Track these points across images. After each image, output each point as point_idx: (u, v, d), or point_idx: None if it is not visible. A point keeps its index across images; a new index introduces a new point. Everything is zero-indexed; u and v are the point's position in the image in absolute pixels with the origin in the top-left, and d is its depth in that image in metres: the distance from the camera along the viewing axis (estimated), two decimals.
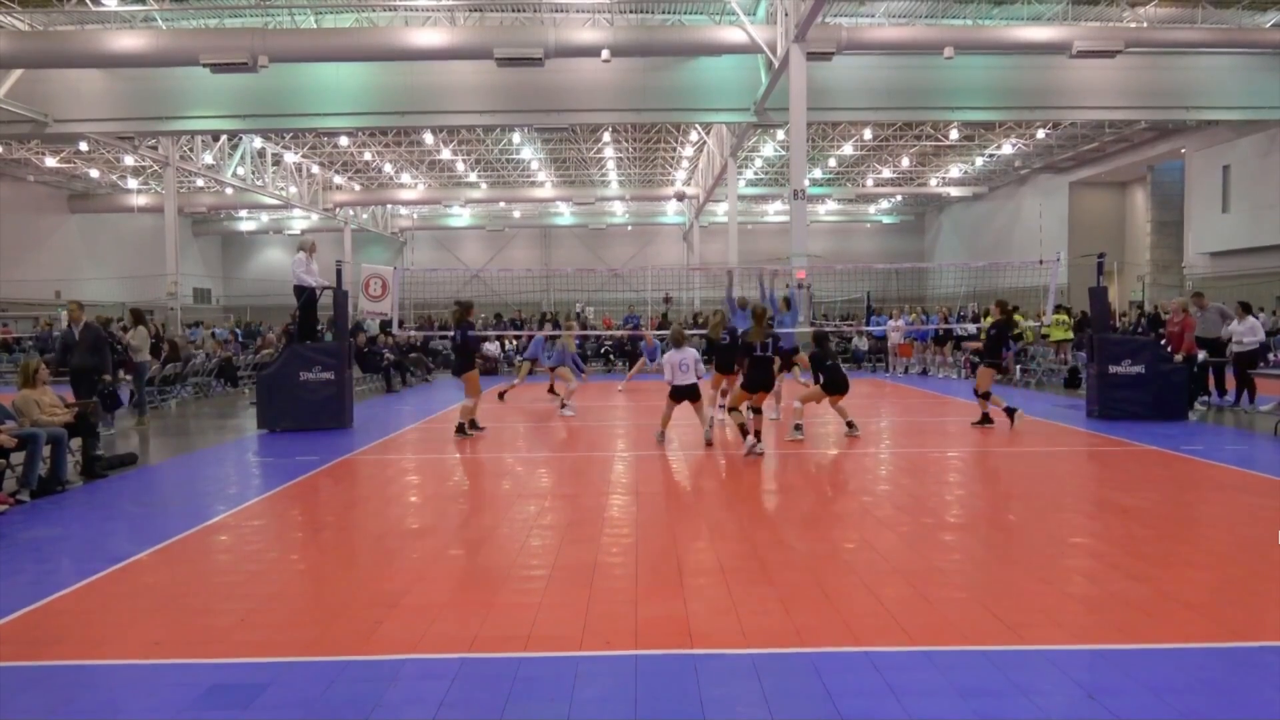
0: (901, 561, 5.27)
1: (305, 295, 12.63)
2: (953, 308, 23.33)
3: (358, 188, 42.45)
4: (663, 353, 10.32)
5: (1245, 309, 13.14)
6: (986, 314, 19.25)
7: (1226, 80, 23.82)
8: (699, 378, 9.86)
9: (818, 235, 42.42)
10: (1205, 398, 13.00)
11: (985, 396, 11.04)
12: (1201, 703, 3.36)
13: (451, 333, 11.41)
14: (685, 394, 9.74)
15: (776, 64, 19.66)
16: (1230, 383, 13.25)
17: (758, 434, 8.99)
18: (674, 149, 37.73)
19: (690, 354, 9.85)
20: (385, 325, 19.14)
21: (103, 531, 6.51)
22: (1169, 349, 13.01)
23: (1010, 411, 10.83)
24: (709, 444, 9.71)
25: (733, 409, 9.08)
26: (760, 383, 9.10)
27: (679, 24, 22.49)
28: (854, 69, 22.85)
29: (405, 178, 40.88)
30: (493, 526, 6.35)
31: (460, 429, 10.93)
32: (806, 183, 20.10)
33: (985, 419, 11.10)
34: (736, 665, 3.74)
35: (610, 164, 39.45)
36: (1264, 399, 12.52)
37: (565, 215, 48.22)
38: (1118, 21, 22.27)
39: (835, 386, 10.27)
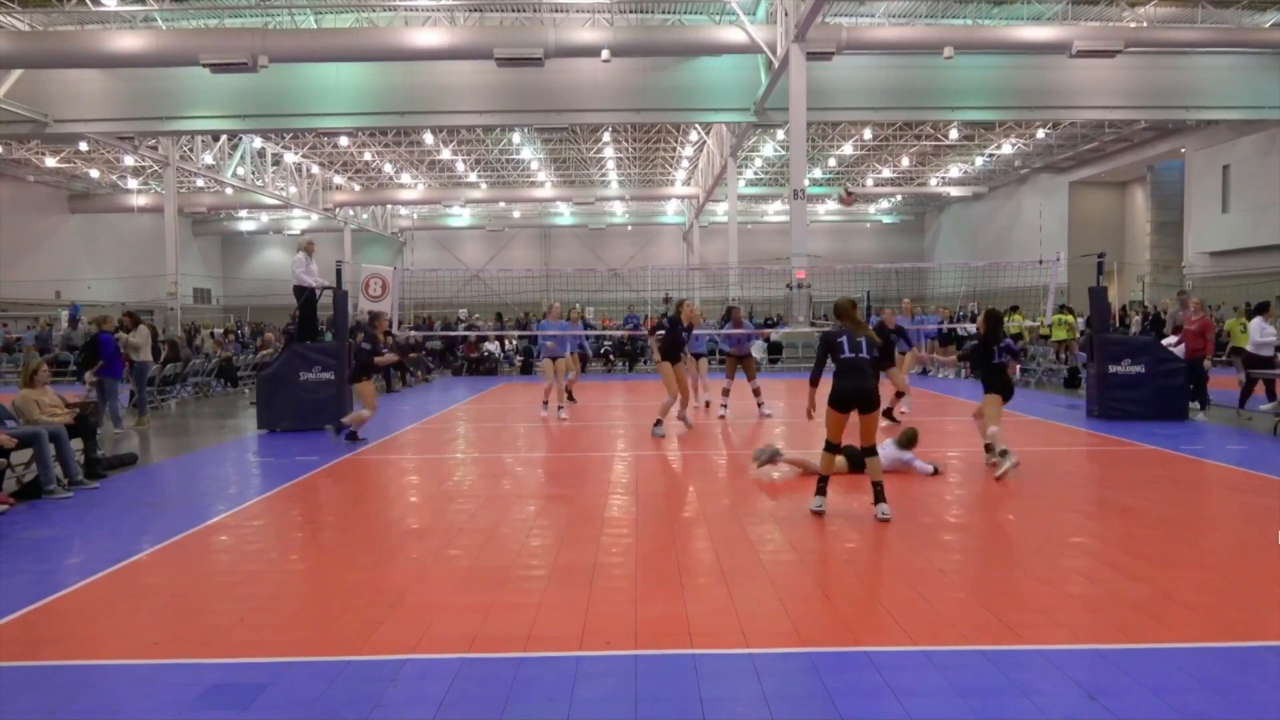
0: (901, 561, 5.27)
1: (305, 295, 12.64)
2: (953, 308, 23.30)
3: (358, 188, 42.44)
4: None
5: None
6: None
7: (1226, 80, 23.84)
8: None
9: (818, 235, 42.41)
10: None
11: None
12: (1201, 703, 3.36)
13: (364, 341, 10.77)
14: None
15: (776, 64, 19.67)
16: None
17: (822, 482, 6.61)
18: (674, 149, 37.72)
19: None
20: None
21: (103, 531, 6.49)
22: (1184, 350, 12.17)
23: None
24: None
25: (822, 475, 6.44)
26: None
27: (679, 24, 22.50)
28: (854, 69, 22.86)
29: (405, 178, 40.88)
30: (493, 526, 6.35)
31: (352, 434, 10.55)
32: (806, 182, 20.12)
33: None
34: (736, 665, 3.73)
35: (610, 164, 39.46)
36: (1260, 398, 12.52)
37: (565, 215, 48.23)
38: (1118, 21, 22.29)
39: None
